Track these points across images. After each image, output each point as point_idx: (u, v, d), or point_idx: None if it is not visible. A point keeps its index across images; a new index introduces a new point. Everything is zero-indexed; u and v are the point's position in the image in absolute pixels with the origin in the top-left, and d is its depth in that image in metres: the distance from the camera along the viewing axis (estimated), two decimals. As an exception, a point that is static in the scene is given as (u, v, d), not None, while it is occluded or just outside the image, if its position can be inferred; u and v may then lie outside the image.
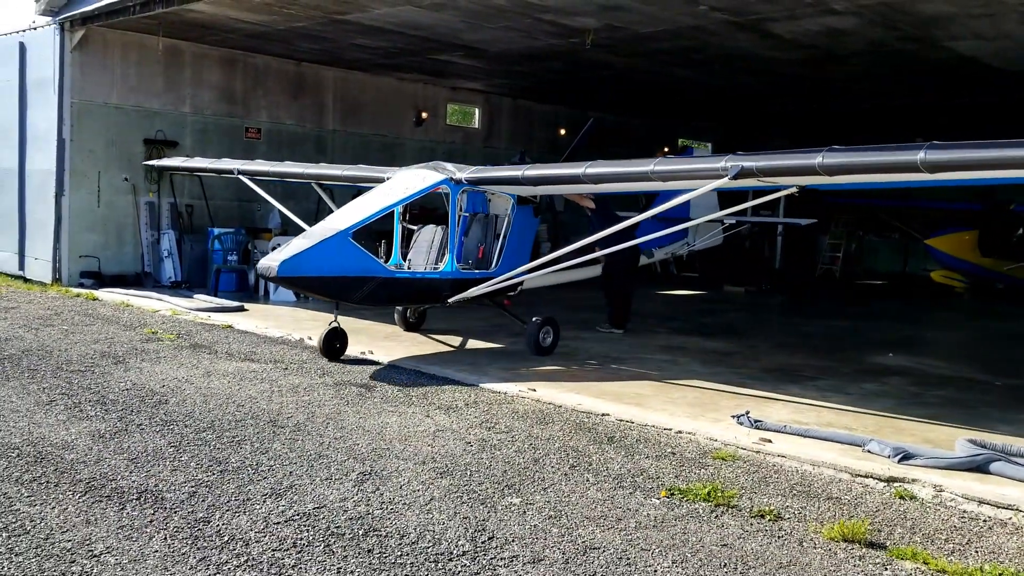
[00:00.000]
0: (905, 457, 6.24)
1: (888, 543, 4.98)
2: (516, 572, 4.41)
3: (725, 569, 4.57)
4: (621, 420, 7.42)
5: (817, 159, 7.06)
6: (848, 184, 7.81)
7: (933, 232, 19.41)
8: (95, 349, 9.48)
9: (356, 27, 13.94)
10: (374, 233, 11.30)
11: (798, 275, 18.08)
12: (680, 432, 7.10)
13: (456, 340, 11.11)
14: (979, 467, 6.07)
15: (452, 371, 9.07)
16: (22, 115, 15.51)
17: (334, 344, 9.52)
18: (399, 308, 11.49)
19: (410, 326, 11.60)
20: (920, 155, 6.51)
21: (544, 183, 9.76)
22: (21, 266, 15.61)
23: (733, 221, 14.33)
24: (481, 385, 8.55)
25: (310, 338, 10.47)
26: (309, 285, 9.19)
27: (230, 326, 11.44)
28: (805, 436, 6.90)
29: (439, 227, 10.57)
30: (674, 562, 4.62)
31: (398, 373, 9.00)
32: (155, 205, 15.70)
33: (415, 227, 11.02)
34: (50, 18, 14.54)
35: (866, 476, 6.08)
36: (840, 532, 5.01)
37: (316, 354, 9.68)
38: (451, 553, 4.60)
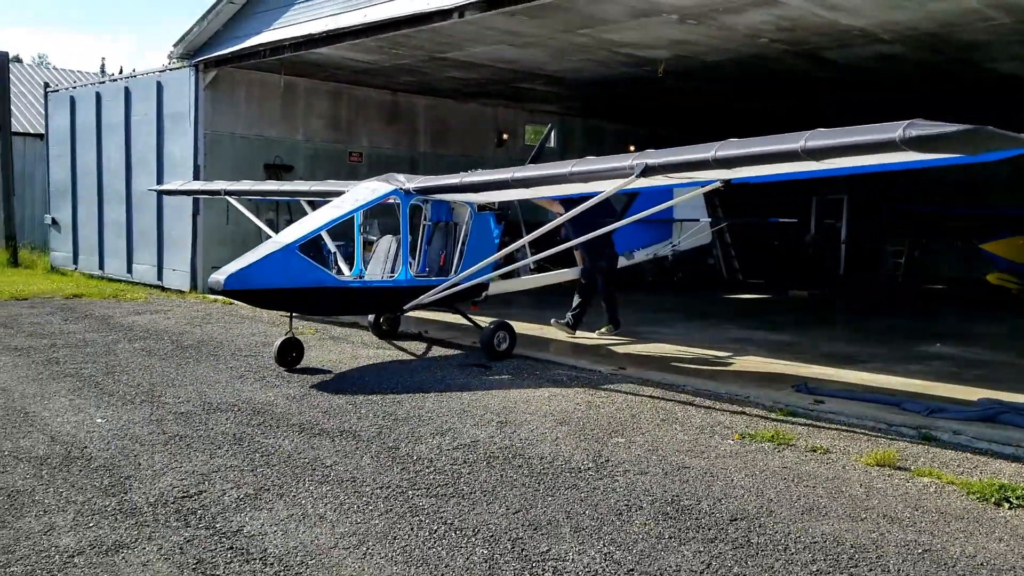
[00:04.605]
0: (933, 412, 7.71)
1: (912, 467, 6.49)
2: (630, 479, 6.07)
3: (786, 481, 6.14)
4: (699, 389, 9.02)
5: (711, 152, 7.35)
6: (761, 177, 7.78)
7: (989, 237, 20.40)
8: (255, 340, 11.43)
9: (452, 63, 15.84)
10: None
11: (860, 281, 18.88)
12: (748, 397, 8.67)
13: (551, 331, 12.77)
14: (991, 418, 7.52)
15: (550, 355, 10.76)
16: (159, 145, 17.77)
17: (289, 355, 9.70)
18: (370, 317, 11.93)
19: (383, 334, 11.91)
20: (800, 143, 6.62)
21: (478, 189, 10.09)
22: (159, 277, 17.85)
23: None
24: (577, 364, 10.21)
25: (426, 332, 12.28)
26: (257, 298, 9.41)
27: (355, 323, 13.31)
28: (851, 399, 8.41)
29: (396, 236, 10.79)
30: (747, 475, 6.22)
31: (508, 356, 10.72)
32: (274, 222, 17.75)
33: (374, 237, 11.34)
34: (186, 61, 16.78)
35: (900, 425, 7.58)
36: (875, 459, 6.54)
37: (435, 347, 11.46)
38: (580, 468, 6.28)
